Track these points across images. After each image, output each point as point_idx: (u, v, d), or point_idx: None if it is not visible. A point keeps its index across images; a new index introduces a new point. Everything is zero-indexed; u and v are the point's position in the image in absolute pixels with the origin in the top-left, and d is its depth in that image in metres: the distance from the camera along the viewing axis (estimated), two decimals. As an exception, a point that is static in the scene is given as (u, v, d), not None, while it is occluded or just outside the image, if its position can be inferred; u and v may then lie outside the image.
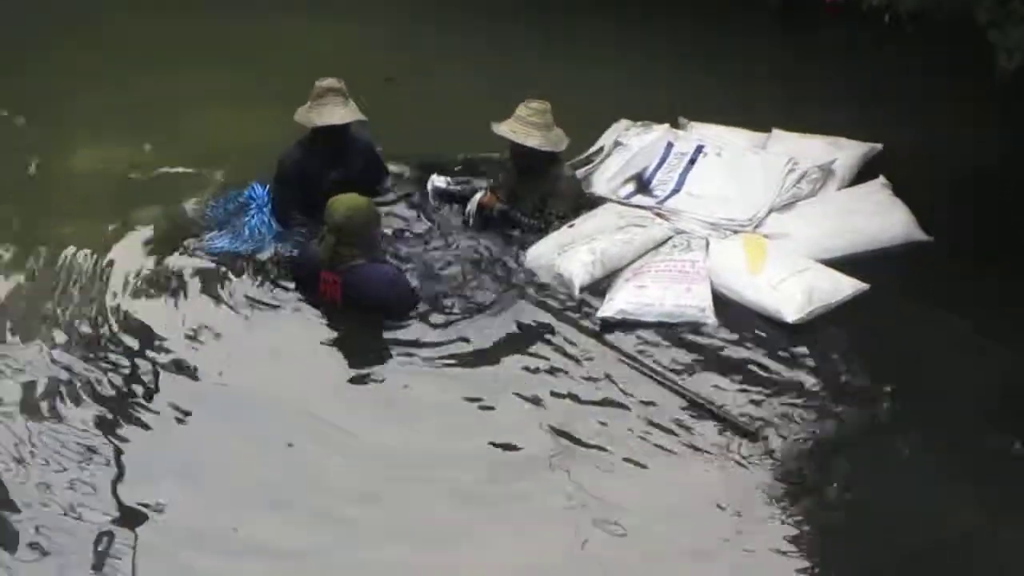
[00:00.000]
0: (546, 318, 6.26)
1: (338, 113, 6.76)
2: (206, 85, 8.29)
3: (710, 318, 6.15)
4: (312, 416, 5.85)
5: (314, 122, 6.76)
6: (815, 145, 7.07)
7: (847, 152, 7.06)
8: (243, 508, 5.39)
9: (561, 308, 6.32)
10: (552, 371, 6.03)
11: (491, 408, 5.88)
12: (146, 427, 5.83)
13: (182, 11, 9.40)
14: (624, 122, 7.25)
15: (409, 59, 8.84)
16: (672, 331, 6.14)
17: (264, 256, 6.75)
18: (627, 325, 6.15)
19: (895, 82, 8.17)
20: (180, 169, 7.57)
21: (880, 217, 6.71)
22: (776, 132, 7.19)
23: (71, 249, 6.87)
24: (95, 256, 6.84)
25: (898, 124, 7.39)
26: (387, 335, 6.32)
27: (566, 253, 6.36)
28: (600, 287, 6.37)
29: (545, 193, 6.76)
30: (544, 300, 6.35)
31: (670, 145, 7.03)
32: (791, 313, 6.13)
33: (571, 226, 6.57)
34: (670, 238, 6.51)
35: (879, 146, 7.14)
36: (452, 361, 6.15)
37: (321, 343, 6.30)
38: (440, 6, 9.31)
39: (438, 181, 7.04)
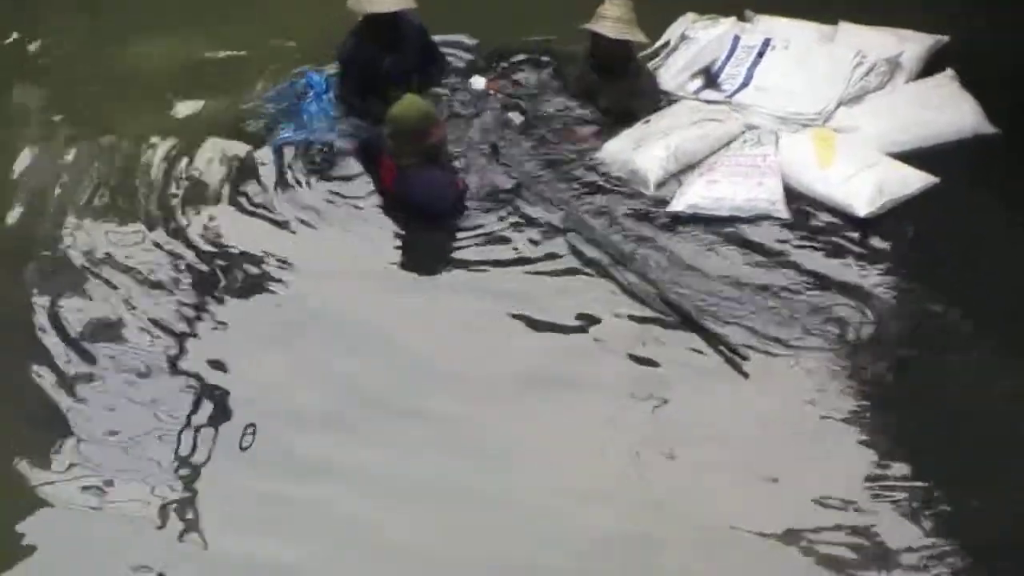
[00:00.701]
0: (617, 213, 6.35)
1: (388, 1, 6.73)
2: None
3: (782, 212, 6.22)
4: (366, 332, 5.96)
5: (365, 9, 6.74)
6: (882, 38, 7.02)
7: (914, 44, 7.02)
8: (299, 429, 5.52)
9: (632, 203, 6.40)
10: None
11: (552, 322, 5.96)
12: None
13: None
14: (690, 15, 7.22)
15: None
16: (742, 226, 6.22)
17: (321, 144, 6.79)
18: (698, 219, 6.24)
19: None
20: (242, 56, 7.56)
21: (948, 110, 6.71)
22: (843, 25, 7.14)
23: (136, 139, 6.99)
24: (159, 146, 6.95)
25: (966, 16, 7.30)
26: (438, 243, 6.44)
27: (641, 148, 6.42)
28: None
29: (628, 90, 6.78)
30: (615, 195, 6.43)
31: (737, 38, 7.01)
32: (862, 207, 6.19)
33: (646, 122, 6.60)
34: (742, 132, 6.52)
35: (946, 38, 7.10)
36: (519, 269, 6.25)
37: (374, 252, 6.37)
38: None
39: (477, 84, 6.99)
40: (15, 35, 7.95)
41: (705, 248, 6.18)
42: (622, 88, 6.81)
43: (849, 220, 6.25)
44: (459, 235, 6.42)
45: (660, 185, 6.35)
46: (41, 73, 7.68)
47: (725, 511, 5.13)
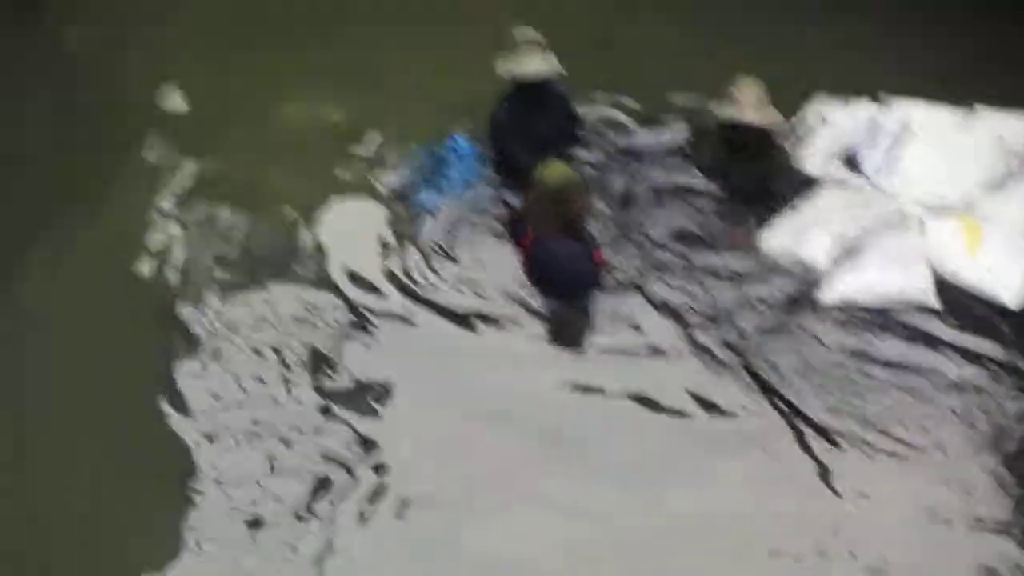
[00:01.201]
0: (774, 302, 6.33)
1: (535, 64, 6.82)
2: (410, 39, 8.27)
3: (932, 300, 6.08)
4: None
5: (514, 73, 6.84)
6: (1022, 123, 6.89)
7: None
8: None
9: (776, 291, 6.37)
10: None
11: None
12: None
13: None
14: (826, 98, 7.16)
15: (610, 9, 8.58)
16: (893, 314, 6.16)
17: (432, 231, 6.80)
18: (850, 309, 6.19)
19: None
20: (385, 119, 7.59)
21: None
22: (980, 109, 7.04)
23: (280, 200, 7.06)
24: (301, 209, 7.00)
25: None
26: (568, 320, 6.38)
27: (803, 238, 6.38)
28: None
29: (765, 170, 6.76)
30: (771, 286, 6.40)
31: (875, 122, 6.96)
32: (1012, 298, 6.04)
33: (793, 208, 6.57)
34: (889, 218, 6.42)
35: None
36: (647, 358, 6.20)
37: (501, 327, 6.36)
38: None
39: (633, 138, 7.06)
40: (161, 88, 8.02)
41: (853, 335, 6.08)
42: (758, 167, 6.73)
43: (998, 311, 6.12)
44: (589, 312, 6.36)
45: (828, 274, 6.26)
46: (185, 132, 7.73)
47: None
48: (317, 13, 8.58)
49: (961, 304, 6.18)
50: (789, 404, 5.88)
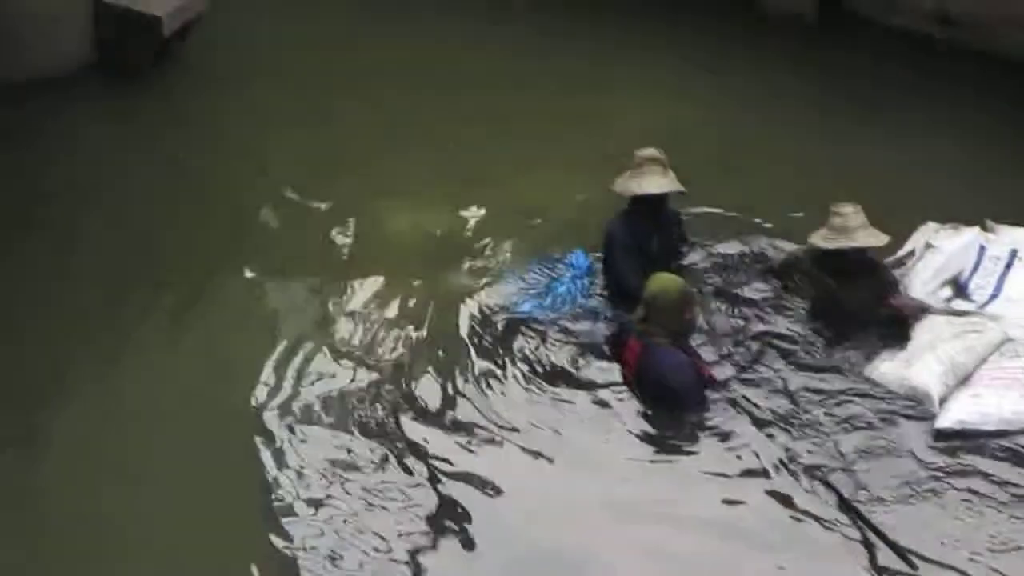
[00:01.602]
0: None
1: (656, 182, 6.99)
2: (532, 151, 8.50)
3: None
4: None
5: (633, 191, 7.02)
6: None
7: None
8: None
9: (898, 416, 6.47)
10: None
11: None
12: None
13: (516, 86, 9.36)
14: (932, 224, 7.33)
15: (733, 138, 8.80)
16: (1012, 439, 6.25)
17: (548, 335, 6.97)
18: (966, 435, 6.26)
19: None
20: (490, 230, 7.80)
21: None
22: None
23: (384, 308, 7.22)
24: (410, 318, 7.17)
25: None
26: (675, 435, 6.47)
27: (914, 366, 6.47)
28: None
29: (878, 292, 6.84)
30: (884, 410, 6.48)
31: (983, 249, 7.09)
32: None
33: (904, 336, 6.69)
34: (1001, 343, 6.55)
35: None
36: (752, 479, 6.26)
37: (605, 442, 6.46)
38: (761, 97, 9.21)
39: None
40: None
41: (969, 466, 6.16)
42: (865, 289, 6.85)
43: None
44: (696, 430, 6.46)
45: (943, 401, 6.34)
46: (288, 238, 7.96)
47: None
48: (429, 115, 8.84)
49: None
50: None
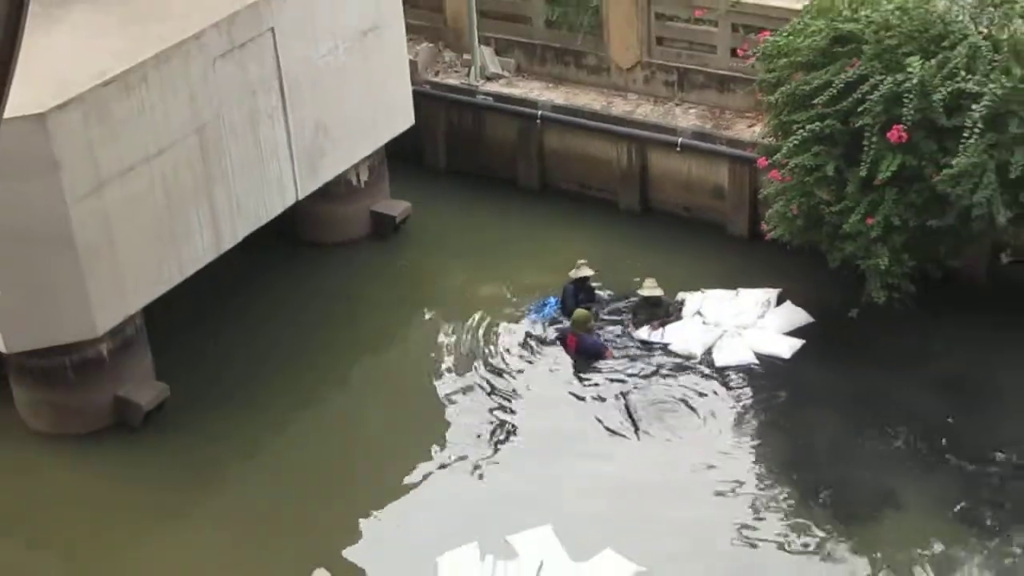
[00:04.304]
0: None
1: (584, 271, 18.32)
2: (522, 256, 19.81)
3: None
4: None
5: (572, 275, 18.41)
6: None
7: None
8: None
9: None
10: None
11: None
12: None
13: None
14: (687, 291, 18.87)
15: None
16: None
17: (538, 330, 18.06)
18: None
19: None
20: (509, 292, 18.73)
21: None
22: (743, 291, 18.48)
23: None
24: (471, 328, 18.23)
25: None
26: (593, 371, 17.14)
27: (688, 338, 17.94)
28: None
29: (660, 315, 18.48)
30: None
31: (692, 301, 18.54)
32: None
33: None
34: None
35: None
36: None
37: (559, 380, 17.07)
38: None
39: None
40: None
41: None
42: (658, 312, 18.20)
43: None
44: (602, 367, 17.00)
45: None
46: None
47: None
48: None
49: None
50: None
